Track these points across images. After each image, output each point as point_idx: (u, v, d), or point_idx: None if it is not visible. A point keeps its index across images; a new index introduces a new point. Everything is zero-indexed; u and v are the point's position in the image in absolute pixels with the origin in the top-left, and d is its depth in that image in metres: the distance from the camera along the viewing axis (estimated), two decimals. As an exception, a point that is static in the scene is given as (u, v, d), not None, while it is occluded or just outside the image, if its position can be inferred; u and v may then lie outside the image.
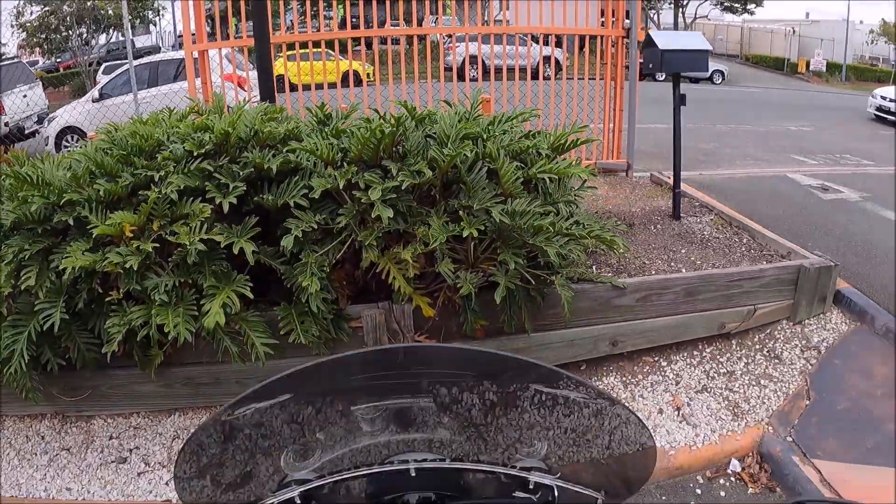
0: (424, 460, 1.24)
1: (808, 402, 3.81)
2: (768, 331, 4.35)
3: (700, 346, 4.24)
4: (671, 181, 5.72)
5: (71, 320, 3.36)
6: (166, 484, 3.54)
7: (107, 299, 3.29)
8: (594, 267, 4.34)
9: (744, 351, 4.23)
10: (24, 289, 3.32)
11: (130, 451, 3.77)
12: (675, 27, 37.00)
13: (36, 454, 3.82)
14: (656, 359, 4.16)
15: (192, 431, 1.29)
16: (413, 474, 1.20)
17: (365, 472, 1.22)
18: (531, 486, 1.20)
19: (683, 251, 4.77)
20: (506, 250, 3.24)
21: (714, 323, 4.19)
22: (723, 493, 3.37)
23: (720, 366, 4.13)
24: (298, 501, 1.18)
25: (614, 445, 1.33)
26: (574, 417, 1.33)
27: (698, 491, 3.38)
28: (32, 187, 3.42)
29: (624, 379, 4.02)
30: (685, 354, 4.20)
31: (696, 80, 25.35)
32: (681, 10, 38.35)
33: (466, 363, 1.37)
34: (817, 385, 3.93)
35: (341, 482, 1.23)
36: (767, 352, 4.23)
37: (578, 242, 3.54)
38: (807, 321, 4.41)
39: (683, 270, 4.37)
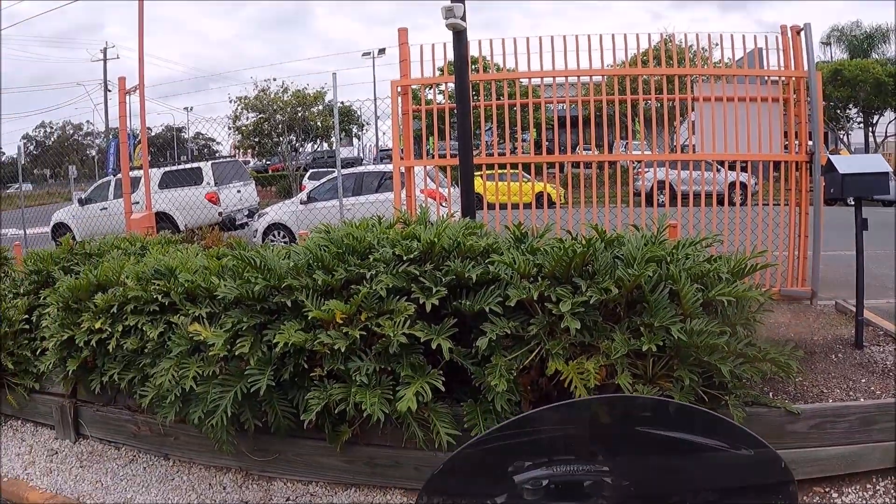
0: None
1: None
2: (947, 465, 4.06)
3: (874, 479, 4.01)
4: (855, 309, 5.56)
5: (274, 388, 3.80)
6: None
7: (311, 374, 3.72)
8: (770, 393, 4.31)
9: (920, 485, 3.98)
10: (236, 354, 3.79)
11: (304, 514, 4.07)
12: (866, 147, 35.21)
13: (216, 501, 4.21)
14: (827, 489, 4.00)
15: (428, 477, 1.61)
16: None
17: None
18: None
19: (863, 380, 4.60)
20: (682, 367, 3.39)
21: (890, 455, 3.97)
22: None
23: (893, 500, 3.91)
24: None
25: (763, 492, 1.48)
26: (733, 468, 1.51)
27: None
28: (255, 270, 3.97)
29: (792, 508, 3.90)
30: (857, 487, 3.99)
31: (889, 204, 23.81)
32: (871, 128, 36.53)
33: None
34: None
35: None
36: (947, 487, 3.95)
37: (753, 364, 3.60)
38: None
39: (861, 399, 4.23)
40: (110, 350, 4.35)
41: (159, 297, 4.30)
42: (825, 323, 6.21)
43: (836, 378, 4.68)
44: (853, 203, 5.43)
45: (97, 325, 4.40)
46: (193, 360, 3.97)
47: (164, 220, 14.07)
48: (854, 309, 5.55)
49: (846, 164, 5.39)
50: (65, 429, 5.09)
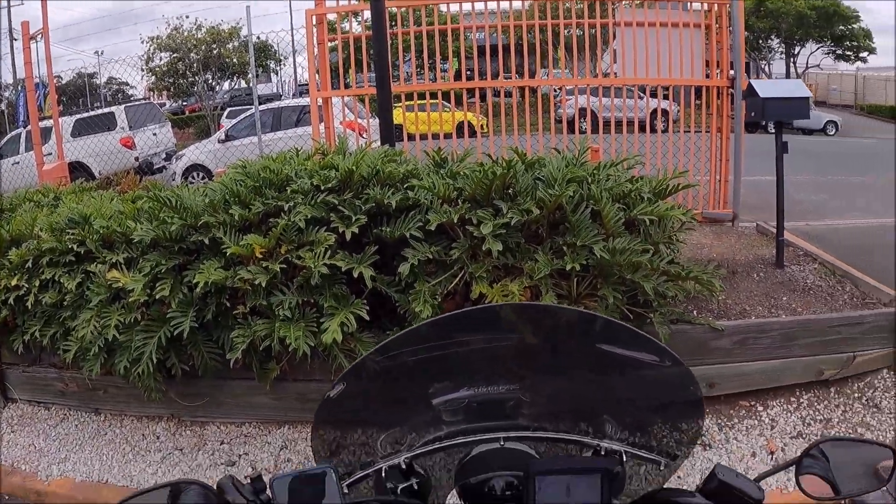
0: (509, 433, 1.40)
1: (904, 451, 3.71)
2: (868, 379, 4.24)
3: (797, 393, 4.19)
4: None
5: (198, 330, 3.70)
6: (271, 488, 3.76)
7: (234, 313, 3.62)
8: (695, 311, 4.40)
9: (842, 399, 4.16)
10: (157, 298, 3.67)
11: (240, 456, 4.04)
12: (788, 77, 36.08)
13: (150, 451, 4.15)
14: (752, 403, 4.15)
15: (320, 402, 1.51)
16: (502, 444, 1.37)
17: (461, 441, 1.40)
18: (602, 454, 1.36)
19: (784, 298, 4.75)
20: (606, 286, 3.41)
21: (812, 369, 4.14)
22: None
23: (817, 412, 4.08)
24: (403, 468, 1.39)
25: (671, 406, 1.48)
26: (641, 381, 1.49)
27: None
28: (172, 210, 3.82)
29: (719, 421, 4.03)
30: (782, 400, 4.16)
31: (809, 132, 24.54)
32: (792, 59, 37.38)
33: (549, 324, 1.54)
34: (915, 434, 3.82)
35: (437, 453, 1.43)
36: (866, 400, 4.13)
37: (676, 282, 3.65)
38: (907, 370, 4.27)
39: (783, 316, 4.36)
40: (29, 306, 4.15)
41: (75, 247, 4.09)
42: (747, 244, 6.36)
43: (759, 296, 4.80)
44: (773, 130, 5.52)
45: (13, 283, 4.20)
46: (114, 308, 3.82)
47: (79, 169, 13.57)
48: (774, 230, 5.69)
49: (767, 88, 5.45)
50: (-8, 395, 4.87)
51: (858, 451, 1.30)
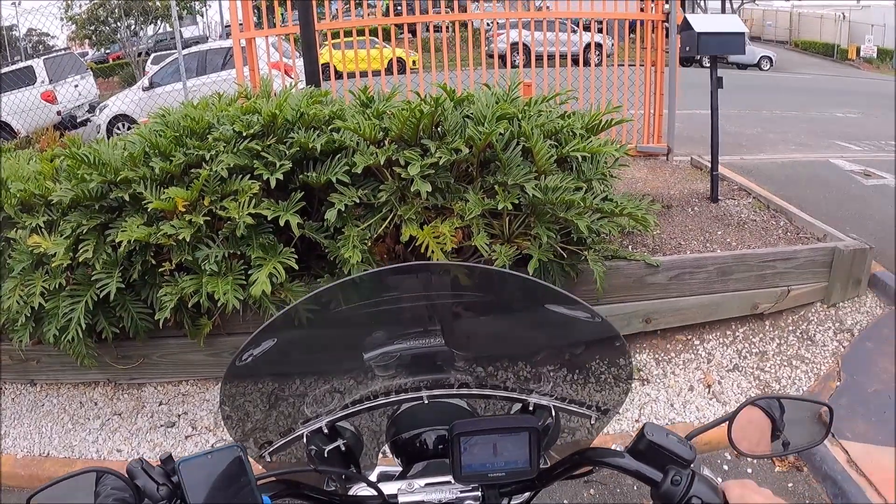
0: (433, 391, 1.34)
1: (838, 384, 3.82)
2: (802, 312, 4.35)
3: (733, 326, 4.27)
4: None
5: (125, 291, 3.55)
6: (212, 446, 3.71)
7: (160, 270, 3.48)
8: (630, 246, 4.41)
9: (776, 332, 4.25)
10: (81, 261, 3.50)
11: (179, 416, 3.96)
12: (723, 12, 36.21)
13: (89, 419, 4.02)
14: (689, 337, 4.21)
15: (224, 371, 1.38)
16: (426, 402, 1.31)
17: (383, 402, 1.33)
18: (531, 409, 1.31)
19: (720, 233, 4.81)
20: (539, 225, 3.35)
21: (747, 303, 4.21)
22: (749, 471, 3.38)
23: (752, 346, 4.16)
24: (326, 431, 1.31)
25: (598, 360, 1.44)
26: (565, 336, 1.44)
27: (725, 467, 3.40)
28: (90, 167, 3.61)
29: (656, 356, 4.08)
30: (718, 334, 4.23)
31: (743, 67, 24.87)
32: (728, -6, 37.48)
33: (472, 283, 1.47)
34: (848, 367, 3.93)
35: (363, 414, 1.35)
36: (800, 333, 4.23)
37: (610, 219, 3.63)
38: (841, 304, 4.39)
39: (718, 251, 4.41)
40: (-50, 282, 3.92)
41: (-8, 214, 3.88)
42: (681, 178, 6.42)
43: (694, 230, 4.85)
44: (708, 65, 5.51)
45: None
46: (38, 274, 3.66)
47: (3, 129, 12.91)
48: (709, 164, 5.73)
49: (703, 22, 5.43)
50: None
51: (795, 408, 1.27)
